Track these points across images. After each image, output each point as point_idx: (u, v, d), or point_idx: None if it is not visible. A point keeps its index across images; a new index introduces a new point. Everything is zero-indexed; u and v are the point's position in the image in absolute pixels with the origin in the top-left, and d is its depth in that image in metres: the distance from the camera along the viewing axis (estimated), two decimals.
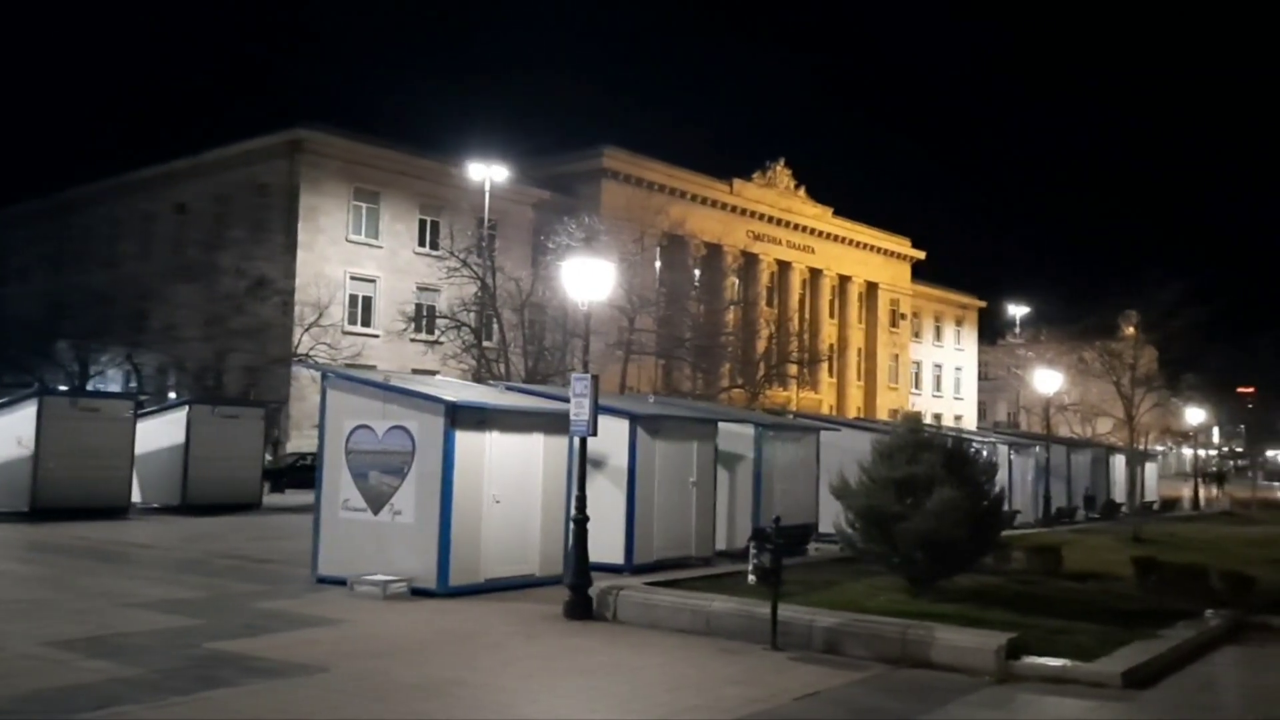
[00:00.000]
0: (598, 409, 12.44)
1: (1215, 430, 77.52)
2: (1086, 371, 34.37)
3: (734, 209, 57.49)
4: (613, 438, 15.09)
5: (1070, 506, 30.73)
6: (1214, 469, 59.61)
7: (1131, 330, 33.48)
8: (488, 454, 13.46)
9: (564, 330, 34.87)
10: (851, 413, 60.07)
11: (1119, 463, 34.06)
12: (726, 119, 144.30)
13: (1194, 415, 43.89)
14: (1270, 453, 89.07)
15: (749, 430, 18.66)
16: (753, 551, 10.87)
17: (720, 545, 16.94)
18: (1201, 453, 74.63)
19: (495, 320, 35.23)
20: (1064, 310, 36.68)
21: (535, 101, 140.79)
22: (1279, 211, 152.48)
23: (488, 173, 36.19)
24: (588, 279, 12.94)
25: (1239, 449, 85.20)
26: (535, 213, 47.23)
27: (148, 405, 27.36)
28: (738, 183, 58.17)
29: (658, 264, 46.13)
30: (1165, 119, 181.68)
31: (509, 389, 17.66)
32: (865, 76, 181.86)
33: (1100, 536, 23.71)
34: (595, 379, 12.36)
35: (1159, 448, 50.22)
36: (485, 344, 35.44)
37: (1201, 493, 45.62)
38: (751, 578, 10.89)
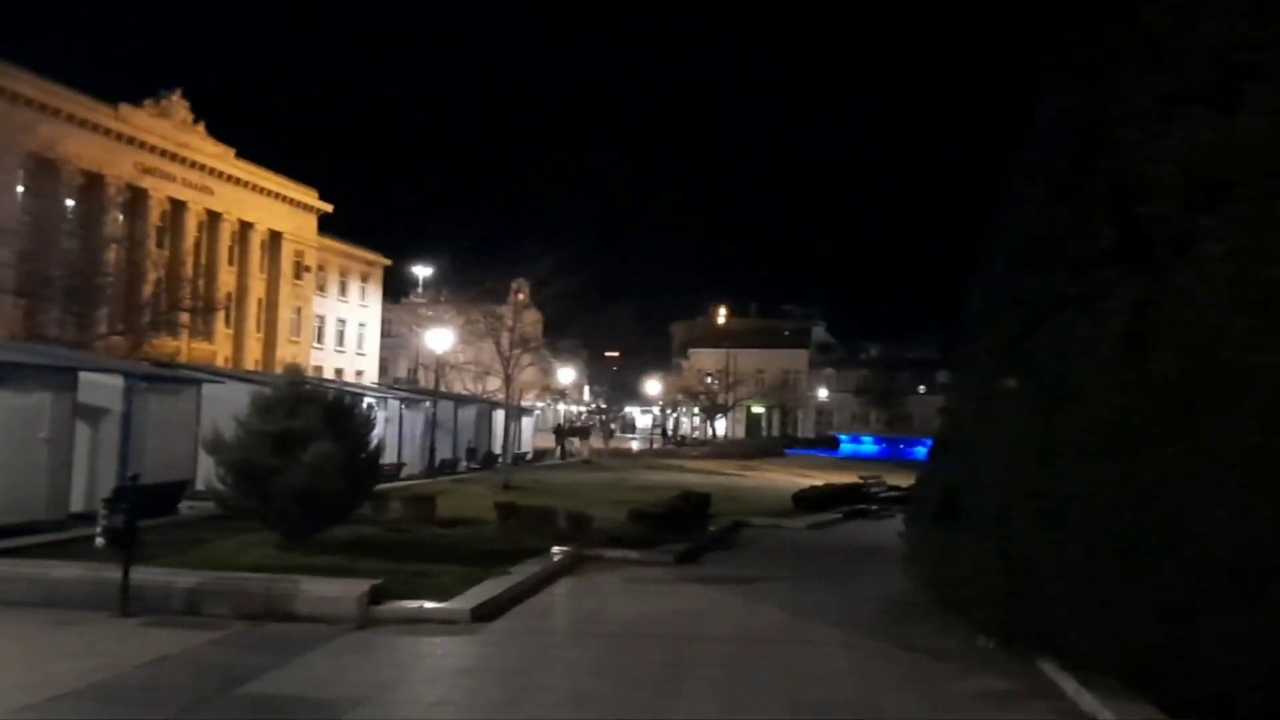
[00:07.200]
0: None
1: (587, 389, 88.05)
2: (476, 332, 36.81)
3: (120, 137, 51.66)
4: None
5: (454, 458, 32.81)
6: (577, 424, 67.43)
7: (521, 296, 36.54)
8: None
9: None
10: (250, 365, 57.66)
11: (500, 417, 37.03)
12: (121, 40, 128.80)
13: (565, 375, 49.32)
14: (629, 409, 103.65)
15: (118, 381, 17.11)
16: (103, 513, 10.01)
17: (78, 507, 15.31)
18: (574, 408, 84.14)
19: None
20: (465, 273, 38.81)
21: None
22: (638, 192, 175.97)
23: None
24: None
25: (605, 405, 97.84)
26: None
27: None
28: (125, 108, 52.32)
29: (20, 189, 39.89)
30: (597, 94, 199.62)
31: None
32: (273, 15, 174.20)
33: (476, 485, 25.71)
34: None
35: (539, 404, 55.55)
36: None
37: (572, 444, 51.51)
38: (100, 540, 10.04)
